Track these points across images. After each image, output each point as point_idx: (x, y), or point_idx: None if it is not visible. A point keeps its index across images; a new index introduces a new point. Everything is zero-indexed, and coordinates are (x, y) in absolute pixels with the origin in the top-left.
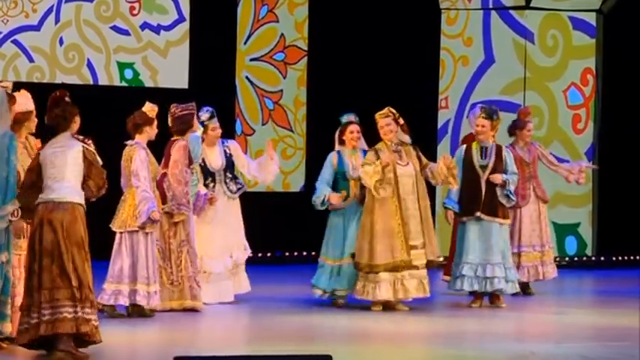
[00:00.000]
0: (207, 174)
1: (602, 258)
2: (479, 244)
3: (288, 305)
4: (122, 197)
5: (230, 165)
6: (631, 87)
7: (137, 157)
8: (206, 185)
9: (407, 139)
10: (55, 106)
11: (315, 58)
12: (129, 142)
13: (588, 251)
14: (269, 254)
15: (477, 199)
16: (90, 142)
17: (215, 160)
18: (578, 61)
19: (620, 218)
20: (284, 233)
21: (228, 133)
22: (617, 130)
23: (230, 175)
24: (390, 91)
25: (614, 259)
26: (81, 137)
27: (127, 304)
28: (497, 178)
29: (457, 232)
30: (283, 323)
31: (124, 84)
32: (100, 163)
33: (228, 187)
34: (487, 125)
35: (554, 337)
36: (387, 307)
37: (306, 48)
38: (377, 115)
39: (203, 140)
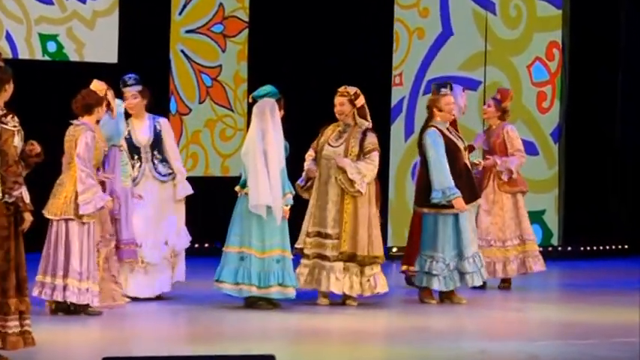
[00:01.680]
0: (133, 149)
1: (569, 248)
2: (455, 237)
3: (228, 301)
4: (58, 181)
5: (158, 142)
6: (600, 62)
7: (84, 139)
8: (132, 165)
9: (365, 124)
10: None
11: (257, 30)
12: (75, 122)
13: (554, 241)
14: (207, 245)
15: (474, 184)
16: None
17: (141, 133)
18: (544, 34)
19: (589, 205)
20: (223, 222)
21: (161, 111)
22: (585, 109)
23: (159, 156)
24: (338, 66)
25: (581, 249)
26: None
27: (62, 300)
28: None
29: (424, 222)
30: (223, 320)
31: (46, 58)
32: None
33: (156, 169)
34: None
35: (514, 335)
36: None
37: (247, 19)
38: (337, 91)
39: (128, 114)
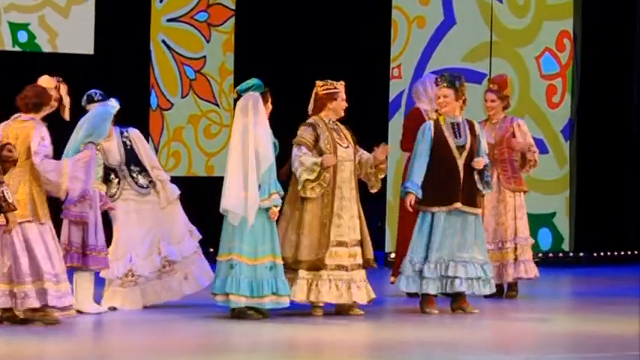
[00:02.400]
0: (108, 170)
1: (581, 254)
2: (450, 239)
3: (216, 311)
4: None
5: (132, 157)
6: (614, 53)
7: (37, 133)
8: (110, 181)
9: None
10: None
11: (245, 19)
12: (22, 117)
13: (565, 246)
14: None
15: (456, 187)
16: None
17: (112, 154)
18: (554, 23)
19: (602, 207)
20: (208, 227)
21: (141, 107)
22: (599, 104)
23: (137, 168)
24: (332, 58)
25: (594, 255)
26: None
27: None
28: (481, 162)
29: (416, 223)
30: (209, 332)
31: (17, 49)
32: None
33: (137, 183)
34: (451, 95)
35: (525, 348)
36: (340, 311)
37: (233, 6)
38: (341, 85)
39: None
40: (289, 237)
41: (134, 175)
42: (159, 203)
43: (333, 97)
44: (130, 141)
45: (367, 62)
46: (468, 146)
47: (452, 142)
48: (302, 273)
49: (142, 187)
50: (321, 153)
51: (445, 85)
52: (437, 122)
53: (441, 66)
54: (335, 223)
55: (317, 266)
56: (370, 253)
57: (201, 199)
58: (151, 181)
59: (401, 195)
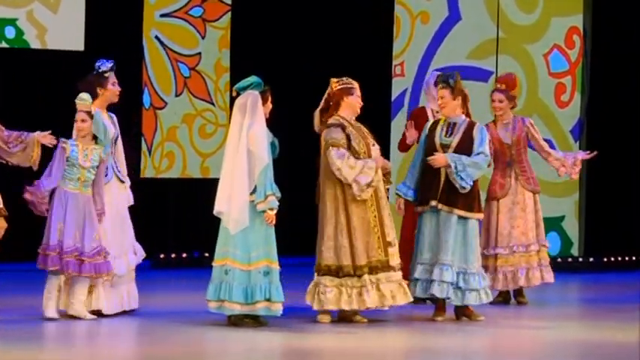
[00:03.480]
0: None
1: (591, 259)
2: (432, 240)
3: (211, 318)
4: None
5: (117, 139)
6: (625, 50)
7: None
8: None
9: None
10: None
11: (241, 14)
12: None
13: (574, 251)
14: (184, 255)
15: (435, 184)
16: None
17: (109, 125)
18: (563, 19)
19: (613, 211)
20: (202, 230)
21: (133, 106)
22: (609, 103)
23: (116, 154)
24: (332, 55)
25: (605, 260)
26: None
27: None
28: (439, 160)
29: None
30: (203, 339)
31: (4, 45)
32: None
33: (118, 169)
34: (447, 95)
35: (532, 357)
36: (343, 318)
37: (229, 2)
38: (333, 82)
39: None
40: (341, 243)
41: (114, 159)
42: (128, 200)
43: (349, 92)
44: (116, 123)
45: (368, 59)
46: (453, 144)
47: (437, 140)
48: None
49: (120, 173)
50: (355, 153)
51: (440, 85)
52: (435, 122)
53: (445, 63)
54: (382, 223)
55: (377, 269)
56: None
57: (196, 201)
58: (124, 175)
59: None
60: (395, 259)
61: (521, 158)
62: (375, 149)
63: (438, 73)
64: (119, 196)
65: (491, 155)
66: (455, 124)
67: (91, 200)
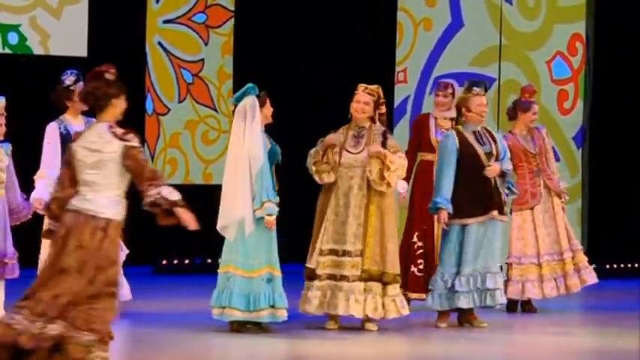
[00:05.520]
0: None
1: (594, 266)
2: (484, 250)
3: (214, 324)
4: None
5: None
6: (628, 57)
7: None
8: None
9: (381, 127)
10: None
11: (244, 20)
12: None
13: None
14: (187, 261)
15: (490, 195)
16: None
17: (80, 129)
18: (566, 26)
19: (616, 218)
20: (204, 237)
21: (136, 112)
22: (612, 111)
23: None
24: (335, 61)
25: (607, 267)
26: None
27: None
28: (495, 169)
29: (444, 237)
30: (206, 346)
31: (7, 51)
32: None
33: None
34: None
35: None
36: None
37: (232, 7)
38: (360, 86)
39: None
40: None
41: None
42: None
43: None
44: None
45: (371, 66)
46: (494, 152)
47: (479, 149)
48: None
49: None
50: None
51: (483, 92)
52: (459, 131)
53: (448, 70)
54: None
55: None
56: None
57: (199, 208)
58: None
59: (430, 211)
60: (351, 269)
61: (544, 167)
62: (351, 156)
63: (472, 80)
64: None
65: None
66: (479, 132)
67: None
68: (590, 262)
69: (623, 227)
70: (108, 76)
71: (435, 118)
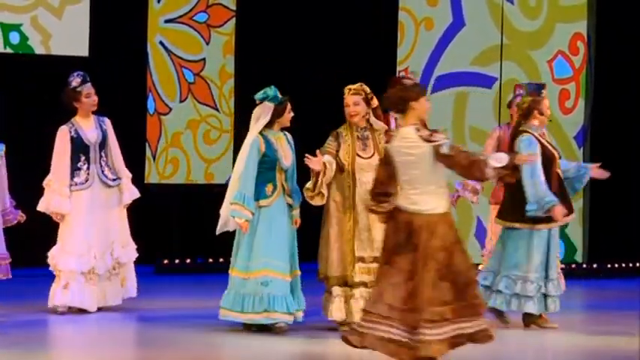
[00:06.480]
0: (81, 149)
1: (595, 265)
2: (543, 257)
3: (225, 324)
4: None
5: (105, 143)
6: (629, 57)
7: None
8: (78, 169)
9: (380, 125)
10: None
11: (246, 20)
12: None
13: (578, 257)
14: (188, 261)
15: (567, 196)
16: None
17: (90, 131)
18: (567, 25)
19: (617, 217)
20: (206, 236)
21: (138, 112)
22: (613, 110)
23: (105, 158)
24: (336, 61)
25: (608, 266)
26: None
27: None
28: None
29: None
30: (220, 344)
31: (8, 50)
32: None
33: (102, 172)
34: None
35: None
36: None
37: (234, 7)
38: (345, 89)
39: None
40: (320, 252)
41: (102, 163)
42: (121, 200)
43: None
44: (105, 127)
45: (372, 65)
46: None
47: (554, 151)
48: (335, 290)
49: (107, 177)
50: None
51: (545, 94)
52: (532, 134)
53: (449, 70)
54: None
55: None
56: None
57: (201, 207)
58: (116, 178)
59: (544, 210)
60: (362, 276)
61: None
62: (364, 161)
63: (532, 83)
64: (100, 199)
65: None
66: (543, 134)
67: None
68: (591, 262)
69: (624, 227)
70: (405, 81)
71: None
